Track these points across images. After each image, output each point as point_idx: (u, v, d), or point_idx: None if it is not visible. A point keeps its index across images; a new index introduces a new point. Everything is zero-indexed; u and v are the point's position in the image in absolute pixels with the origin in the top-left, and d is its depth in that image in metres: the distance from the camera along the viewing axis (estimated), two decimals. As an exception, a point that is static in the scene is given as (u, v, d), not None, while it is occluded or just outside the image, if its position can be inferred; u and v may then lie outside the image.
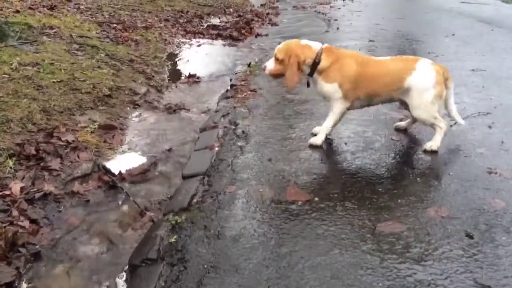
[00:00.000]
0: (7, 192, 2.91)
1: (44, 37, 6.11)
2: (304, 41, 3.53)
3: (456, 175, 3.20)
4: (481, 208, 2.81)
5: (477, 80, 5.45)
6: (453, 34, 8.50)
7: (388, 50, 7.29)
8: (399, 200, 2.88)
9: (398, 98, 3.56)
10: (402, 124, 4.00)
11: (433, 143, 3.55)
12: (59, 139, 3.64)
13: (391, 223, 2.65)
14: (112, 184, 3.33)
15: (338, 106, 3.52)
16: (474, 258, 2.36)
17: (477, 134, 3.90)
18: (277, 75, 3.57)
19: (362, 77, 3.42)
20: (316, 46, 3.48)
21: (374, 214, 2.73)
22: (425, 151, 3.55)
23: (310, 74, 3.50)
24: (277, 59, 3.49)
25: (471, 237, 2.52)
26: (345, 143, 3.71)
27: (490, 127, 4.06)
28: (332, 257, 2.38)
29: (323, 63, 3.42)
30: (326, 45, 3.54)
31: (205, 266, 2.35)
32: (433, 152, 3.52)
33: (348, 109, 3.62)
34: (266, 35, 9.34)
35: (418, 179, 3.16)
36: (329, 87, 3.45)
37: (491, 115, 4.32)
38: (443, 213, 2.75)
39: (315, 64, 3.44)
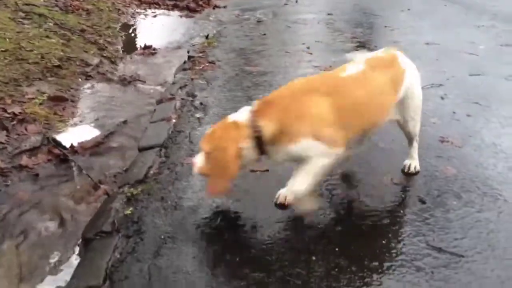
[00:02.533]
0: None
1: (-14, 5, 5.71)
2: (232, 117, 2.32)
3: (410, 144, 3.28)
4: (433, 175, 2.89)
5: (431, 53, 5.57)
6: (409, 9, 8.61)
7: (345, 23, 7.32)
8: (355, 168, 2.92)
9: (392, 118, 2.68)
10: None
11: (412, 162, 2.91)
12: (5, 110, 3.44)
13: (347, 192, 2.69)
14: (64, 157, 3.20)
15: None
16: (426, 222, 2.44)
17: (430, 105, 3.98)
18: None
19: (343, 110, 2.27)
20: (242, 117, 2.27)
21: (331, 183, 2.76)
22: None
23: (262, 153, 2.30)
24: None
25: (424, 202, 2.60)
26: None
27: (442, 98, 4.17)
28: (292, 222, 2.40)
29: (269, 129, 2.21)
30: (255, 102, 2.33)
31: (162, 237, 2.31)
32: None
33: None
34: (225, 7, 9.13)
35: (372, 148, 3.21)
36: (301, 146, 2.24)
37: (443, 87, 4.43)
38: (397, 180, 2.81)
39: (258, 139, 2.24)
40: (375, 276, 2.07)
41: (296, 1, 9.46)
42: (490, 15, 8.00)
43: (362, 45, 5.97)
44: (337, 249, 2.23)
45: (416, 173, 2.88)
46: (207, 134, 2.33)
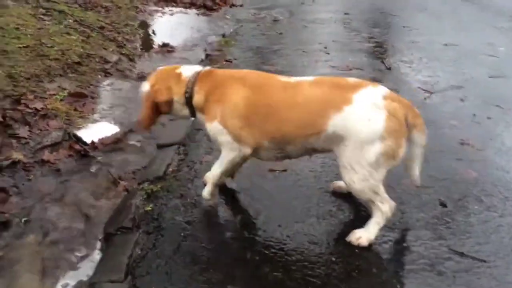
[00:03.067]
0: (-27, 160, 2.79)
1: (8, 1, 5.78)
2: (181, 68, 2.48)
3: (430, 147, 3.21)
4: (454, 178, 2.87)
5: (450, 54, 5.51)
6: (426, 9, 8.54)
7: (362, 23, 7.28)
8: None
9: (323, 148, 2.28)
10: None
11: (364, 234, 2.27)
12: (27, 106, 3.48)
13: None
14: (84, 153, 3.23)
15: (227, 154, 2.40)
16: (447, 225, 2.42)
17: (449, 107, 3.96)
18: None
19: (258, 108, 2.26)
20: (187, 73, 2.43)
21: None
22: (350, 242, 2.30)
23: (192, 115, 2.48)
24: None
25: (445, 206, 2.58)
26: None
27: (462, 100, 4.13)
28: (309, 225, 2.40)
29: (197, 98, 2.38)
30: (207, 68, 2.49)
31: (182, 234, 2.33)
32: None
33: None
34: (241, 5, 9.13)
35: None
36: (211, 127, 2.36)
37: (463, 89, 4.39)
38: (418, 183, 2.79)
39: (188, 100, 2.41)
40: (395, 279, 2.06)
41: (313, 0, 9.42)
42: (509, 16, 7.89)
43: (379, 45, 5.94)
44: (357, 250, 2.22)
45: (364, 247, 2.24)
46: (156, 71, 2.54)
